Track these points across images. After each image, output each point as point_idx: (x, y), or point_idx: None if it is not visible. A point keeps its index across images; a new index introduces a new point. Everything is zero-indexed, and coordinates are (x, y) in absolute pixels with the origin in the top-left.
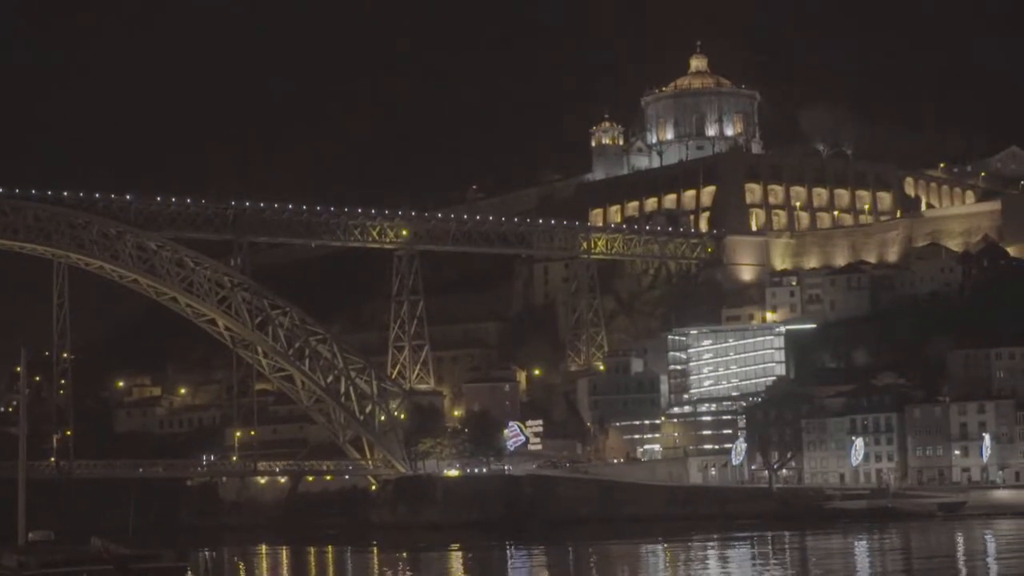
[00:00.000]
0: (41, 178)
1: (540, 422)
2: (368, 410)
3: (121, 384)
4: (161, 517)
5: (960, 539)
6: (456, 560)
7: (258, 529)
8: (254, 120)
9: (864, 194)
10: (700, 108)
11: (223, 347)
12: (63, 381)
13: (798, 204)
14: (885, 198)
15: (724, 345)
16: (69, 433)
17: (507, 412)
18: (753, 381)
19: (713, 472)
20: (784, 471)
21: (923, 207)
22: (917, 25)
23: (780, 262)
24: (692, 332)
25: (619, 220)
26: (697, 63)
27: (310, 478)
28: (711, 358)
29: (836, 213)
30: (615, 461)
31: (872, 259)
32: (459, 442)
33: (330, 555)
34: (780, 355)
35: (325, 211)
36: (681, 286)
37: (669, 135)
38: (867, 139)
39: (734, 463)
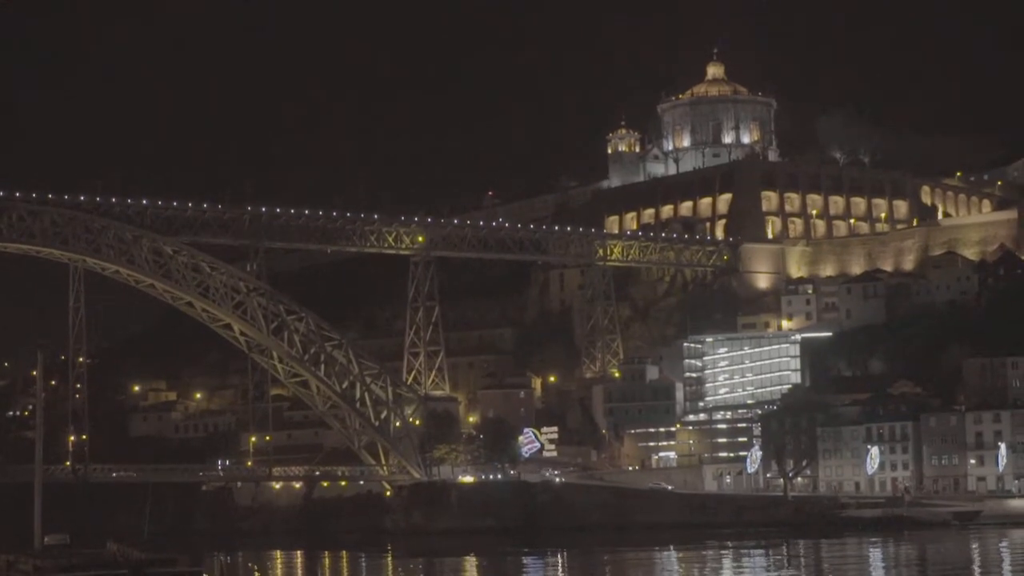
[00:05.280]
0: (58, 182)
1: (555, 429)
2: (383, 416)
3: (137, 388)
4: (176, 522)
5: (975, 548)
6: (470, 566)
7: (273, 534)
8: (271, 126)
9: (880, 202)
10: (717, 115)
11: (239, 352)
12: (79, 385)
13: (814, 212)
14: (901, 206)
15: (740, 353)
16: (85, 437)
17: (522, 419)
18: (768, 389)
19: (728, 480)
20: (799, 479)
21: (940, 216)
22: (934, 34)
23: (796, 270)
24: (707, 340)
25: (635, 227)
26: (714, 70)
27: (325, 483)
28: (726, 366)
29: (852, 221)
30: (630, 468)
31: (888, 267)
32: (474, 448)
33: (344, 561)
34: (796, 363)
35: (341, 217)
36: (697, 293)
37: (685, 142)
38: (884, 147)
39: (749, 471)
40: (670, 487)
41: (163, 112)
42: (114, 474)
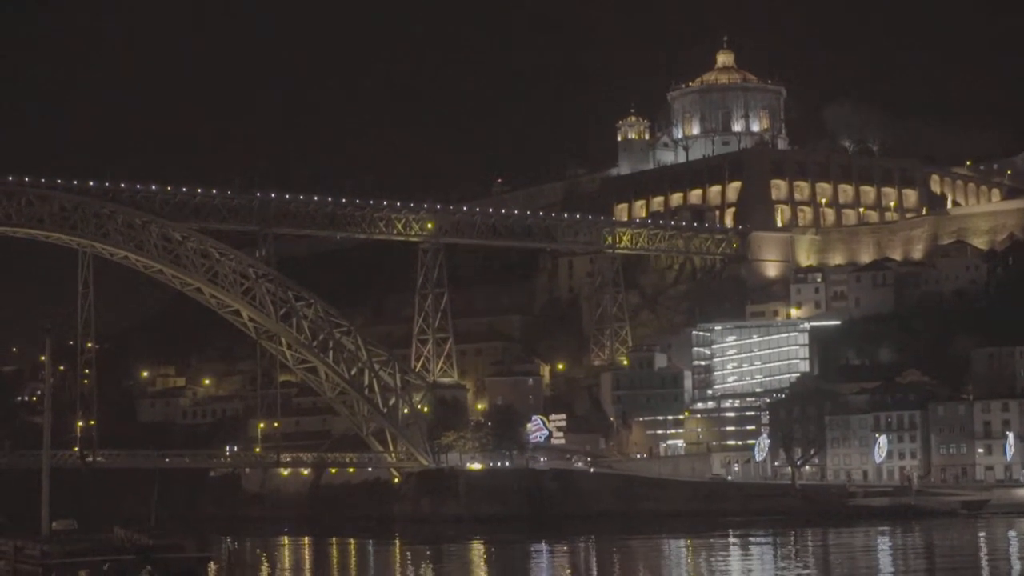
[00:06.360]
0: (67, 168)
1: (563, 416)
2: (391, 403)
3: (145, 374)
4: (184, 508)
5: (983, 537)
6: (478, 553)
7: (280, 520)
8: (281, 112)
9: (890, 191)
10: (726, 103)
11: (247, 338)
12: (87, 371)
13: (823, 200)
14: (911, 195)
15: (748, 341)
16: (93, 423)
17: (530, 406)
18: (777, 377)
19: (736, 468)
20: (807, 468)
21: (949, 205)
22: (942, 23)
23: (805, 258)
24: (716, 328)
25: (644, 215)
26: (724, 58)
27: (333, 470)
28: (735, 354)
29: (862, 210)
30: (638, 456)
31: (897, 256)
32: (482, 436)
33: (352, 547)
34: (804, 351)
35: (350, 203)
36: (706, 281)
37: (695, 130)
38: (893, 136)
39: (757, 459)
40: (729, 477)
41: (172, 98)
42: (101, 458)
